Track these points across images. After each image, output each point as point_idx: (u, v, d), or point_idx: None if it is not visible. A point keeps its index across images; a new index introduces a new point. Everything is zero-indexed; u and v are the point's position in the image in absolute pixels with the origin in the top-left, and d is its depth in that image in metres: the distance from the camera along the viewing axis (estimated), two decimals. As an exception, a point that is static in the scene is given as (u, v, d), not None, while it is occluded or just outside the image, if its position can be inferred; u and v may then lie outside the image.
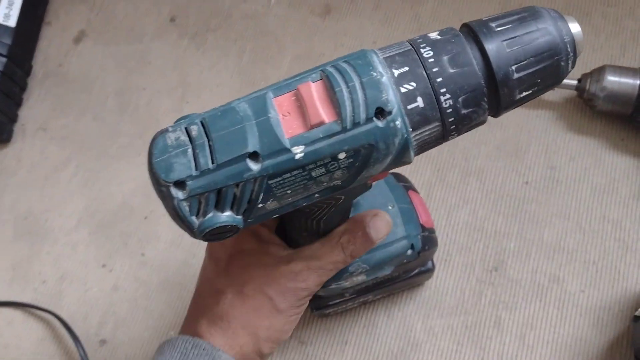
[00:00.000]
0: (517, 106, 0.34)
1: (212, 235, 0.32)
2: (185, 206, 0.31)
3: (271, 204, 0.32)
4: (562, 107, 0.65)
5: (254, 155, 0.30)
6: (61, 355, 0.61)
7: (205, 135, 0.30)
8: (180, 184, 0.30)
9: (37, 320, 0.63)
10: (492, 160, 0.64)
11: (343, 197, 0.37)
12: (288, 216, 0.36)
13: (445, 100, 0.31)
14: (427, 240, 0.51)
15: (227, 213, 0.32)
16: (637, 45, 0.68)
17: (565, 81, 0.62)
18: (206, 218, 0.31)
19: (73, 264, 0.65)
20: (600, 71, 0.61)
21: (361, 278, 0.49)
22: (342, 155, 0.30)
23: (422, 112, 0.31)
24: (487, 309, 0.58)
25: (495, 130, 0.65)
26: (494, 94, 0.32)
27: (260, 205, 0.32)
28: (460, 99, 0.31)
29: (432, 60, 0.31)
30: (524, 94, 0.32)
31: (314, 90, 0.30)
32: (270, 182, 0.31)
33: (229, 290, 0.41)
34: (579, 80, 0.62)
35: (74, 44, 0.77)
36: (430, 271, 0.56)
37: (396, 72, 0.31)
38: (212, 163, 0.30)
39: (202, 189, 0.30)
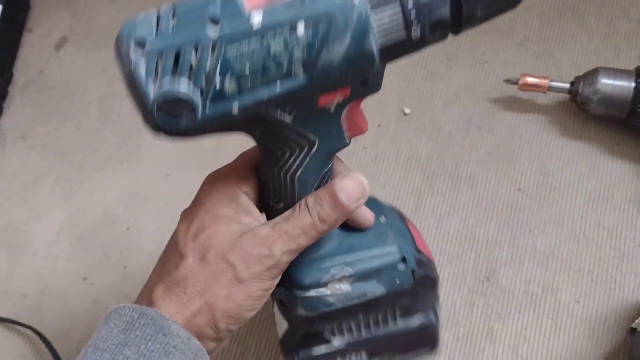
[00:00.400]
0: (480, 20, 0.35)
1: (167, 110, 0.32)
2: (142, 64, 0.32)
3: (230, 84, 0.32)
4: (555, 111, 0.64)
5: (213, 19, 0.31)
6: (41, 372, 0.59)
7: (173, 9, 0.32)
8: (140, 42, 0.32)
9: (17, 335, 0.61)
10: (483, 166, 0.62)
11: (316, 144, 0.37)
12: (262, 167, 0.39)
13: (414, 24, 0.32)
14: (425, 264, 0.46)
15: (184, 81, 0.32)
16: (632, 47, 0.66)
17: (558, 84, 0.61)
18: (162, 83, 0.32)
19: (53, 277, 0.63)
20: (593, 74, 0.59)
21: (345, 288, 0.45)
22: (300, 28, 0.31)
23: None
24: (479, 320, 0.56)
25: (486, 136, 0.64)
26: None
27: (218, 81, 0.32)
28: None
29: (414, 11, 0.32)
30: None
31: None
32: (228, 50, 0.31)
33: (190, 254, 0.38)
34: (572, 84, 0.60)
35: (56, 50, 0.75)
36: (433, 329, 0.50)
37: None
38: (173, 23, 0.32)
39: (161, 46, 0.31)
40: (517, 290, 0.57)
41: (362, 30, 0.32)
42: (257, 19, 0.31)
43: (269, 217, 0.42)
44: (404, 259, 0.44)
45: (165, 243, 0.42)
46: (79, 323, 0.61)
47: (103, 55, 0.74)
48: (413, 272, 0.45)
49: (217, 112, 0.33)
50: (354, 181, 0.38)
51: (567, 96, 0.62)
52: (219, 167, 0.42)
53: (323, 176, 0.40)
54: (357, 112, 0.38)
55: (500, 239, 0.59)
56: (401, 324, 0.49)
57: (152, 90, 0.32)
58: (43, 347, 0.59)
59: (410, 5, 0.32)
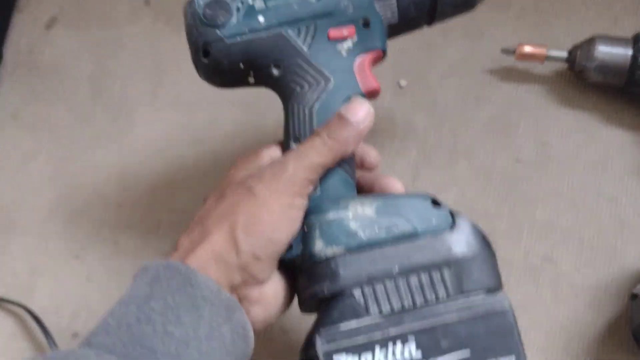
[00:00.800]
0: (448, 16, 0.47)
1: (210, 13, 0.42)
2: None
3: (259, 2, 0.42)
4: (553, 81, 0.63)
5: None
6: (33, 350, 0.58)
7: None
8: None
9: (7, 314, 0.60)
10: (481, 138, 0.61)
11: (331, 81, 0.42)
12: (284, 108, 0.44)
13: None
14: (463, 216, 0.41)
15: None
16: (629, 16, 0.65)
17: (555, 53, 0.60)
18: None
19: (44, 256, 0.62)
20: (590, 42, 0.58)
21: (369, 213, 0.39)
22: None
23: None
24: (478, 292, 0.55)
25: (484, 107, 0.63)
26: None
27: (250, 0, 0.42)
28: None
29: None
30: None
31: None
32: None
33: (211, 197, 0.40)
34: (570, 52, 0.59)
35: (46, 30, 0.74)
36: (507, 316, 0.39)
37: None
38: None
39: None
40: (516, 262, 0.56)
41: None
42: None
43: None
44: (436, 202, 0.40)
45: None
46: (70, 301, 0.59)
47: (93, 34, 0.72)
48: (452, 214, 0.40)
49: (246, 27, 0.42)
50: (357, 102, 0.41)
51: (564, 66, 0.61)
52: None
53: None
54: (367, 67, 0.44)
55: (498, 211, 0.58)
56: (457, 303, 0.38)
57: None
58: (34, 325, 0.58)
59: None
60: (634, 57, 0.56)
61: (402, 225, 0.39)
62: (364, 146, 0.46)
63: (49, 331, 0.57)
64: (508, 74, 0.63)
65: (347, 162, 0.42)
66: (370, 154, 0.47)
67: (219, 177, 0.44)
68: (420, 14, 0.46)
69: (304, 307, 0.41)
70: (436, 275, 0.38)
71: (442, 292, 0.38)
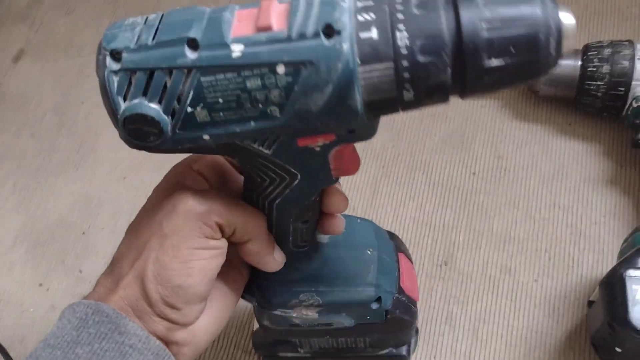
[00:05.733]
0: (488, 89, 0.29)
1: (133, 128, 0.31)
2: (114, 80, 0.30)
3: (201, 113, 0.30)
4: (507, 95, 0.64)
5: (192, 43, 0.29)
6: (-4, 381, 0.58)
7: (159, 20, 0.31)
8: (116, 55, 0.30)
9: (-29, 346, 0.59)
10: (438, 153, 0.62)
11: (298, 178, 0.34)
12: (243, 189, 0.37)
13: (401, 37, 0.28)
14: (402, 306, 0.43)
15: (154, 103, 0.30)
16: (581, 28, 0.67)
17: (506, 67, 0.61)
18: (132, 101, 0.30)
19: (9, 284, 0.62)
20: (539, 55, 0.59)
21: (312, 315, 0.42)
22: (280, 69, 0.28)
23: (374, 44, 0.28)
24: (438, 304, 0.55)
25: (440, 123, 0.64)
26: (460, 60, 0.28)
27: (189, 109, 0.30)
28: (418, 42, 0.28)
29: (399, 1, 0.29)
30: (494, 61, 0.28)
31: (275, 6, 0.30)
32: (202, 79, 0.29)
33: (129, 229, 0.37)
34: (520, 66, 0.61)
35: (13, 62, 0.75)
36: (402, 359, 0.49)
37: (360, 4, 0.29)
38: (152, 40, 0.30)
39: (134, 65, 0.30)
40: (475, 273, 0.56)
41: (346, 83, 0.28)
42: (237, 51, 0.29)
43: None
44: (378, 299, 0.42)
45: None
46: (35, 330, 0.59)
47: (59, 65, 0.74)
48: (386, 312, 0.42)
49: (187, 137, 0.31)
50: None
51: (516, 79, 0.62)
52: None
53: (306, 207, 0.37)
54: (348, 152, 0.35)
55: (456, 224, 0.59)
56: (370, 351, 0.47)
57: (121, 106, 0.31)
58: (-2, 355, 0.58)
59: (405, 63, 0.28)
60: (582, 67, 0.58)
61: (337, 323, 0.43)
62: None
63: (12, 360, 0.57)
64: (463, 90, 0.65)
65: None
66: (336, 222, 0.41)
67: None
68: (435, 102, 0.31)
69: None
70: (359, 340, 0.47)
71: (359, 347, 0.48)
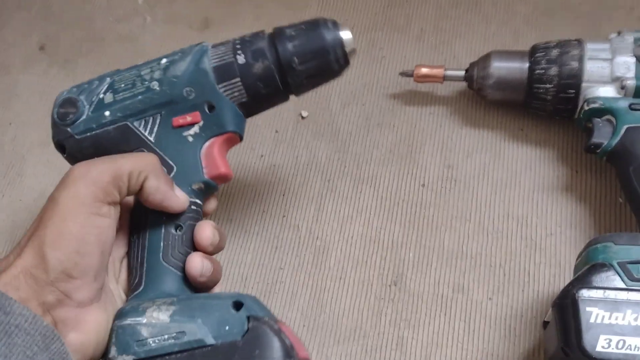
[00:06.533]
0: (308, 86, 0.45)
1: (62, 111, 0.43)
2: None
3: (108, 97, 0.43)
4: (455, 101, 0.60)
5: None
6: None
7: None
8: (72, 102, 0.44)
9: None
10: (386, 164, 0.59)
11: (174, 170, 0.42)
12: None
13: (239, 52, 0.43)
14: (265, 323, 0.36)
15: (83, 96, 0.44)
16: (531, 29, 0.64)
17: (453, 72, 0.58)
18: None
19: None
20: (485, 58, 0.56)
21: (163, 318, 0.37)
22: (163, 60, 0.44)
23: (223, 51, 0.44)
24: (388, 329, 0.52)
25: (387, 133, 0.60)
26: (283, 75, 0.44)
27: (102, 95, 0.43)
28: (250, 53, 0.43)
29: (239, 45, 0.44)
30: (301, 66, 0.43)
31: None
32: (115, 82, 0.44)
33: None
34: (467, 70, 0.57)
35: (-63, 84, 0.70)
36: None
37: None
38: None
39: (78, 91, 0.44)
40: (426, 293, 0.53)
41: (200, 54, 0.43)
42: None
43: None
44: (238, 305, 0.37)
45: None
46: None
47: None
48: (248, 318, 0.36)
49: (94, 120, 0.42)
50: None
51: (464, 84, 0.59)
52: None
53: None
54: (217, 152, 0.43)
55: (406, 240, 0.55)
56: None
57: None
58: None
59: (237, 43, 0.44)
60: (530, 69, 0.54)
61: (191, 333, 0.36)
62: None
63: None
64: (411, 98, 0.61)
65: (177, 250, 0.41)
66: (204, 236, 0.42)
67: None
68: (272, 90, 0.44)
69: None
70: None
71: None
